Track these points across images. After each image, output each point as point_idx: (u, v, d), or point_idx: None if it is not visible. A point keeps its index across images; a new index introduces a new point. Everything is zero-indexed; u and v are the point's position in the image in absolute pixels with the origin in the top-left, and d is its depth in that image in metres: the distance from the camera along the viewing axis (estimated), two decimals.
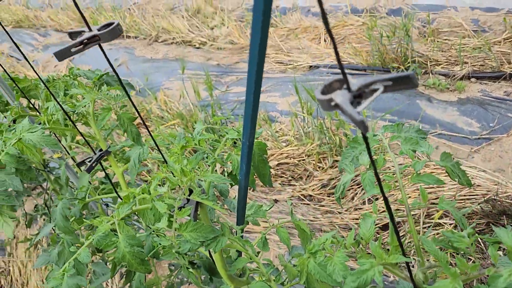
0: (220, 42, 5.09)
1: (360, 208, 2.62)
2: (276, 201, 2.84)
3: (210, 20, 5.69)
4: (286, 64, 4.42)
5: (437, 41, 3.94)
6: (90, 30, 0.78)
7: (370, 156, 0.56)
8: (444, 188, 2.42)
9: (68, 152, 1.83)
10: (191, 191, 0.96)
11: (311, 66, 4.30)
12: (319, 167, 2.96)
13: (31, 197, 2.70)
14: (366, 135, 0.50)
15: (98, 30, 0.78)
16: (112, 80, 1.80)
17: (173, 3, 6.71)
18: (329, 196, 2.77)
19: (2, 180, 1.24)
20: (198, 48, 5.27)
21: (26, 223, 2.51)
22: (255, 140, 0.92)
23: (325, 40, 4.67)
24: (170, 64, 4.94)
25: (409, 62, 3.70)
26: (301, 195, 2.83)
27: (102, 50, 0.81)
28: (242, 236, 1.04)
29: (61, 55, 0.77)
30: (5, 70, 1.56)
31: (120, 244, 0.92)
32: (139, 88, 4.38)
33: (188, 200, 0.97)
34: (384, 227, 2.41)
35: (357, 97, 0.47)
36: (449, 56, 3.72)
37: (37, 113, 1.77)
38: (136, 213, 1.03)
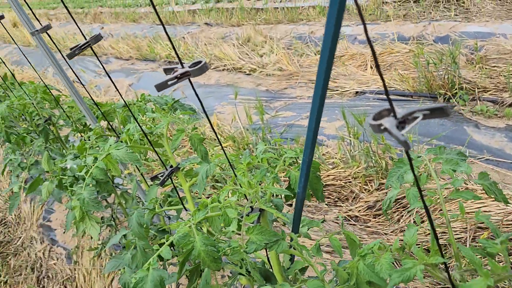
0: (269, 69, 5.32)
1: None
2: (323, 221, 2.95)
3: (260, 48, 5.97)
4: (332, 90, 4.56)
5: (485, 68, 3.97)
6: (183, 67, 0.98)
7: (413, 172, 0.70)
8: (491, 212, 2.45)
9: (138, 169, 2.06)
10: None
11: (357, 92, 4.42)
12: (365, 189, 3.05)
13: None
14: (410, 152, 0.64)
15: (189, 67, 0.97)
16: (178, 105, 2.04)
17: (225, 32, 7.07)
18: (375, 218, 2.85)
19: (92, 189, 1.45)
20: (248, 74, 5.53)
21: None
22: None
23: (371, 67, 4.79)
24: (221, 89, 5.22)
25: (456, 89, 3.75)
26: (347, 215, 2.93)
27: (191, 84, 1.00)
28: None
29: (160, 87, 0.97)
30: (91, 97, 1.81)
31: (197, 244, 1.09)
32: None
33: (251, 208, 1.14)
34: None
35: (402, 123, 0.62)
36: (498, 83, 3.73)
37: (114, 134, 2.02)
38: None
